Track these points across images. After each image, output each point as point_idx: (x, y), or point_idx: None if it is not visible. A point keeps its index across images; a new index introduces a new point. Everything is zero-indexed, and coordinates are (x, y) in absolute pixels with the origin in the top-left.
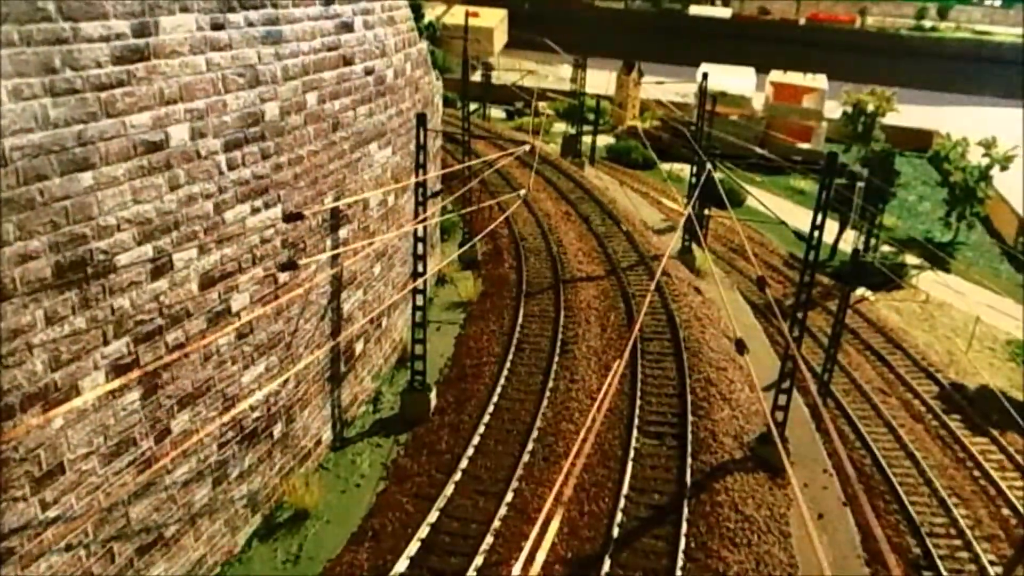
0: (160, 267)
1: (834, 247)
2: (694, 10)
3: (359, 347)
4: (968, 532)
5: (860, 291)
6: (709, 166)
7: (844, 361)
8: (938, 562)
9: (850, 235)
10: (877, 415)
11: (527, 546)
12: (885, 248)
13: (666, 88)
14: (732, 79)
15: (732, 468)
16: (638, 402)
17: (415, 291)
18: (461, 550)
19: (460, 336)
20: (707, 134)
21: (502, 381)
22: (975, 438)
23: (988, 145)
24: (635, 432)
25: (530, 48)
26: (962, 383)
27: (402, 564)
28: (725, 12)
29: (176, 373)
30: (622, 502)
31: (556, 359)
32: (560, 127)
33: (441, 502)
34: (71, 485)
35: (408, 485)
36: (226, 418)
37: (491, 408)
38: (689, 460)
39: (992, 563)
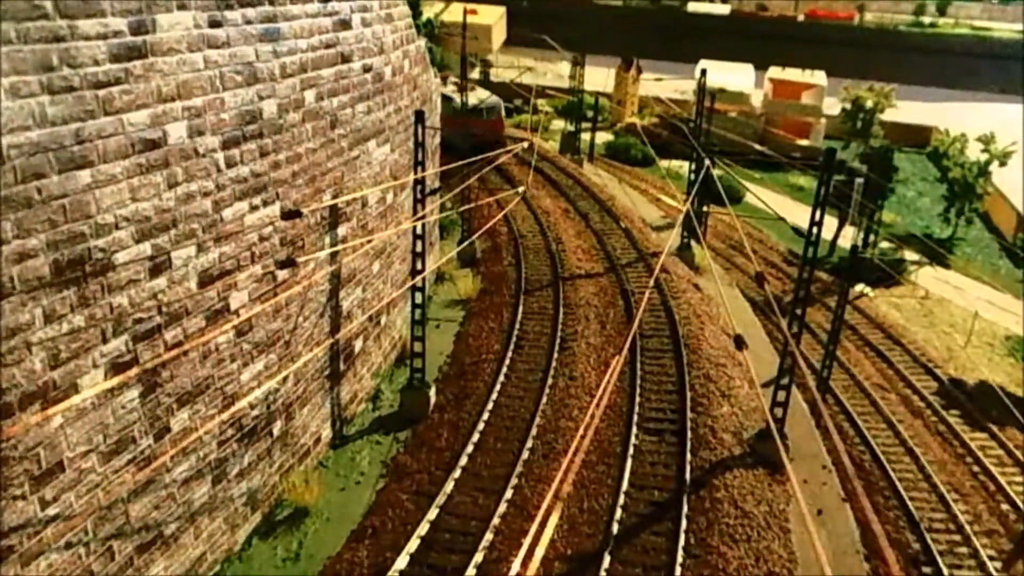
0: (158, 265)
1: (833, 243)
2: (692, 7)
3: (358, 345)
4: (967, 527)
5: (859, 287)
6: (708, 163)
7: (843, 357)
8: (937, 558)
9: (849, 231)
10: (876, 411)
11: (526, 542)
12: (884, 244)
13: (665, 85)
14: (731, 76)
15: (731, 464)
16: (637, 399)
17: (414, 288)
18: (461, 547)
19: (459, 333)
20: (706, 131)
21: (501, 378)
22: (974, 434)
23: (987, 141)
24: (634, 429)
25: (529, 45)
26: (961, 379)
27: (402, 561)
28: (723, 9)
29: (175, 371)
30: (622, 498)
31: (555, 356)
32: (559, 124)
33: (441, 499)
34: (70, 483)
35: (408, 482)
36: (225, 416)
37: (491, 405)
38: (688, 456)
39: (991, 558)
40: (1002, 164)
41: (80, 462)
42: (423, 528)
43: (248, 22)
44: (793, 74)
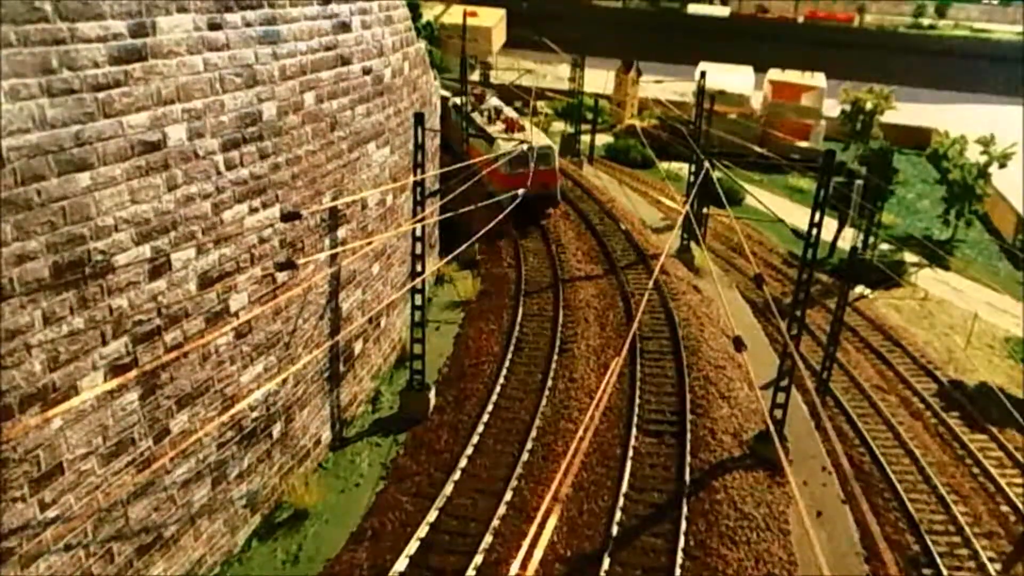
0: (158, 267)
1: (833, 245)
2: (692, 9)
3: (358, 347)
4: (967, 529)
5: (859, 289)
6: (707, 165)
7: (843, 359)
8: (937, 559)
9: (849, 233)
10: (876, 413)
11: (525, 543)
12: (884, 246)
13: (664, 87)
14: (730, 77)
15: (731, 466)
16: (637, 401)
17: (414, 290)
18: (461, 549)
19: (459, 335)
20: (705, 133)
21: (501, 380)
22: (974, 435)
23: (986, 142)
24: (634, 431)
25: (529, 47)
26: (961, 380)
27: (402, 563)
28: (723, 11)
29: (175, 373)
30: (621, 500)
31: (555, 358)
32: (559, 126)
33: (440, 501)
34: (70, 485)
35: (407, 484)
36: (225, 418)
37: (490, 407)
38: (688, 458)
39: (991, 560)
40: (1001, 166)
41: (80, 464)
42: (423, 530)
43: (248, 24)
44: (793, 76)
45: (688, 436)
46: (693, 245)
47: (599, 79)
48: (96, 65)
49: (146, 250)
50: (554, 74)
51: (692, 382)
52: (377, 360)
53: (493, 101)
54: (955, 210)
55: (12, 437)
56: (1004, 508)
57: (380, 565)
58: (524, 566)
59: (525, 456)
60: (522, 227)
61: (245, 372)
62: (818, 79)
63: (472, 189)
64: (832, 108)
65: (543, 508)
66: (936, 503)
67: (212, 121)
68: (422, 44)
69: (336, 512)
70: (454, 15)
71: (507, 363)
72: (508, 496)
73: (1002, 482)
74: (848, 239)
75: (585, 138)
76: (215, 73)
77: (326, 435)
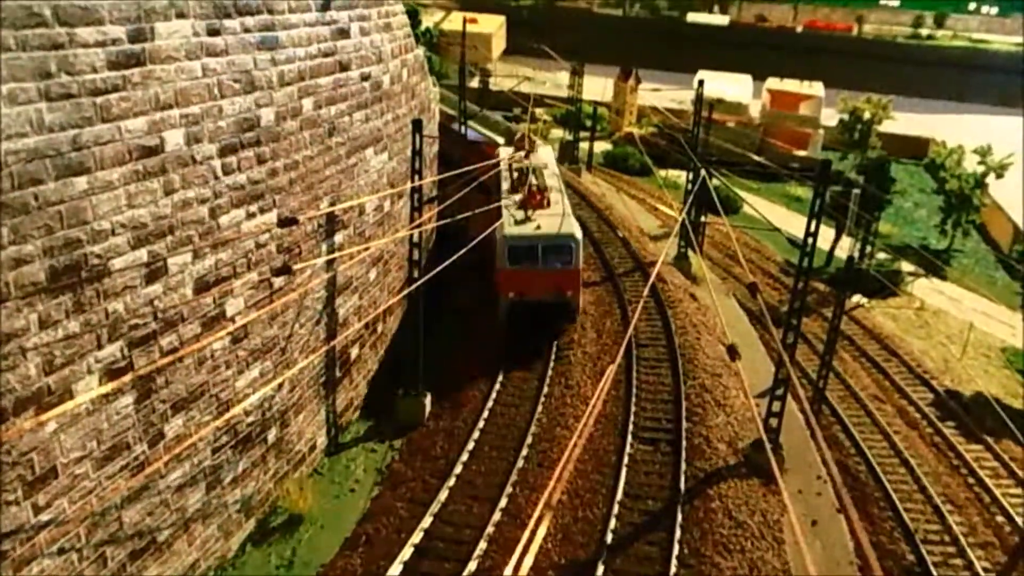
0: (155, 271)
1: (830, 254)
2: (692, 17)
3: (354, 352)
4: (962, 539)
5: (856, 298)
6: (704, 173)
7: (839, 368)
8: (932, 569)
9: (847, 242)
10: (872, 422)
11: (518, 549)
12: (881, 255)
13: (663, 95)
14: (729, 86)
15: (726, 474)
16: (633, 408)
17: (411, 296)
18: (455, 555)
19: (456, 341)
20: (704, 141)
21: (497, 386)
22: (970, 445)
23: (983, 153)
24: (629, 438)
25: (528, 55)
26: (957, 390)
27: (396, 569)
28: (723, 19)
29: (170, 377)
30: (616, 508)
31: (551, 365)
32: (557, 133)
33: (435, 507)
34: (64, 489)
35: (402, 490)
36: (220, 423)
37: (486, 413)
38: (683, 466)
39: (986, 570)
40: (998, 176)
41: (74, 468)
42: (417, 536)
43: (246, 30)
44: (791, 85)
45: (683, 444)
46: (690, 253)
47: (598, 86)
48: (94, 70)
49: (143, 254)
50: (553, 81)
51: (688, 390)
52: (373, 365)
53: (540, 155)
54: (952, 220)
55: (6, 440)
56: (999, 518)
57: (374, 571)
58: (516, 571)
59: (520, 463)
60: (518, 352)
61: (241, 377)
62: (816, 88)
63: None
64: (830, 117)
65: (536, 514)
66: (931, 513)
67: (210, 126)
68: (421, 51)
69: (331, 517)
70: (454, 22)
71: (503, 369)
72: (503, 503)
73: (997, 492)
74: (845, 248)
75: (584, 145)
76: (213, 79)
77: (321, 440)
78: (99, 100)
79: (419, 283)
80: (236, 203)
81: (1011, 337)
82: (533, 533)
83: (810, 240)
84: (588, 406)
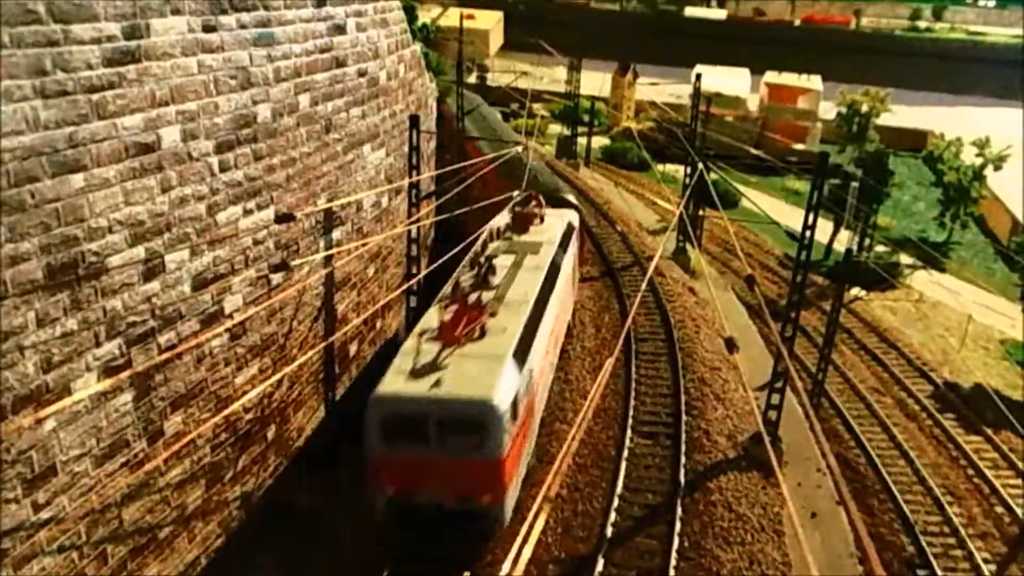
0: (152, 269)
1: (828, 247)
2: (689, 11)
3: (353, 348)
4: (962, 530)
5: (854, 291)
6: (702, 167)
7: (838, 360)
8: (932, 560)
9: (845, 235)
10: (872, 414)
11: (516, 542)
12: (879, 248)
13: (661, 89)
14: (727, 80)
15: (726, 467)
16: (632, 402)
17: (409, 292)
18: None
19: None
20: (702, 135)
21: None
22: (969, 437)
23: (982, 145)
24: (629, 432)
25: (526, 50)
26: (956, 382)
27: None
28: (720, 14)
29: (169, 375)
30: (616, 502)
31: None
32: (555, 128)
33: None
34: (64, 487)
35: None
36: (219, 419)
37: None
38: (683, 460)
39: (986, 561)
40: (996, 168)
41: (73, 465)
42: None
43: (242, 27)
44: (789, 78)
45: (683, 437)
46: (689, 247)
47: (596, 81)
48: (90, 67)
49: (140, 251)
50: (551, 76)
51: (687, 384)
52: (372, 362)
53: (546, 229)
54: (950, 212)
55: (5, 438)
56: (999, 509)
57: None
58: (515, 564)
59: None
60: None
61: (239, 374)
62: (814, 82)
63: None
64: (828, 111)
65: (535, 507)
66: (931, 504)
67: (206, 123)
68: (418, 46)
69: (331, 513)
70: (451, 17)
71: None
72: None
73: (997, 483)
74: (844, 241)
75: (582, 140)
76: (209, 75)
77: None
78: (95, 97)
79: (417, 278)
80: (233, 200)
81: (1010, 329)
82: (531, 526)
83: (808, 233)
84: (587, 400)
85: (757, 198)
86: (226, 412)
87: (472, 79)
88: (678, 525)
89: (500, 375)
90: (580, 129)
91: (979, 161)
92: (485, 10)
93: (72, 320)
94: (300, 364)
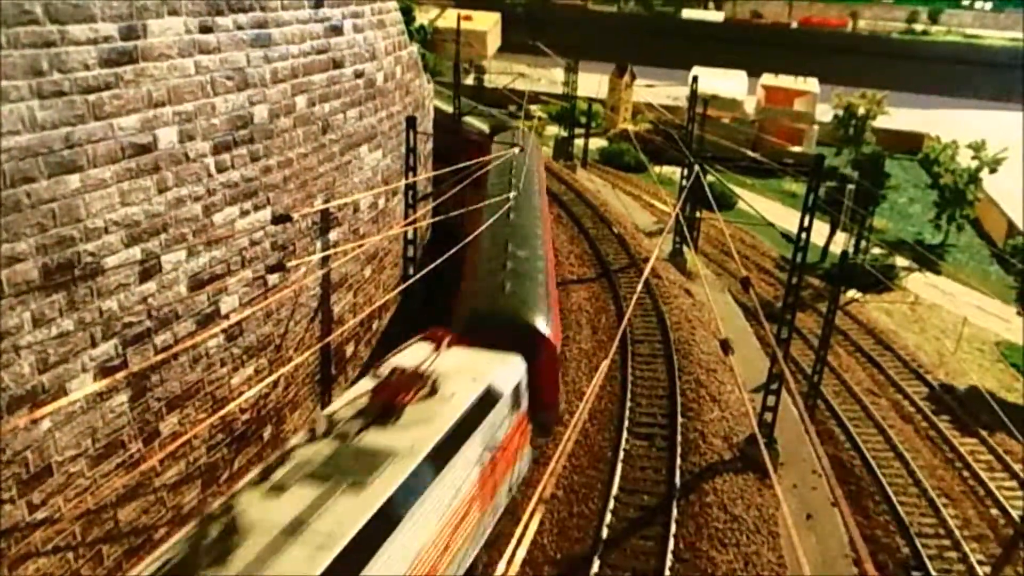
0: (148, 269)
1: (825, 249)
2: (686, 14)
3: (349, 349)
4: (957, 532)
5: (850, 293)
6: (698, 169)
7: (834, 362)
8: (927, 562)
9: (841, 237)
10: (867, 416)
11: (511, 543)
12: (875, 250)
13: (658, 91)
14: (724, 82)
15: (721, 469)
16: (628, 403)
17: (406, 293)
18: None
19: None
20: (699, 137)
21: None
22: (964, 439)
23: (977, 148)
24: (625, 434)
25: (523, 52)
26: (951, 384)
27: None
28: (717, 16)
29: (165, 375)
30: (612, 503)
31: None
32: (552, 130)
33: None
34: (59, 487)
35: None
36: (215, 420)
37: None
38: (678, 461)
39: (981, 563)
40: (992, 171)
41: (69, 466)
42: None
43: (239, 28)
44: (786, 81)
45: (678, 439)
46: (685, 249)
47: (593, 83)
48: (86, 67)
49: (136, 252)
50: (548, 78)
51: (683, 385)
52: (368, 363)
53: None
54: (946, 215)
55: (0, 439)
56: (994, 511)
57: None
58: (509, 565)
59: None
60: None
61: (236, 374)
62: (811, 84)
63: None
64: (825, 113)
65: (529, 508)
66: (926, 506)
67: (203, 124)
68: (415, 48)
69: None
70: (448, 19)
71: None
72: None
73: (992, 485)
74: (840, 243)
75: (579, 142)
76: (206, 76)
77: None
78: (91, 98)
79: (414, 279)
80: (230, 200)
81: (1005, 331)
82: (526, 527)
83: (804, 235)
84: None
85: (753, 200)
86: (222, 413)
87: (469, 81)
88: (673, 526)
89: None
90: (577, 131)
91: (975, 164)
92: (482, 11)
93: (68, 320)
94: (296, 365)
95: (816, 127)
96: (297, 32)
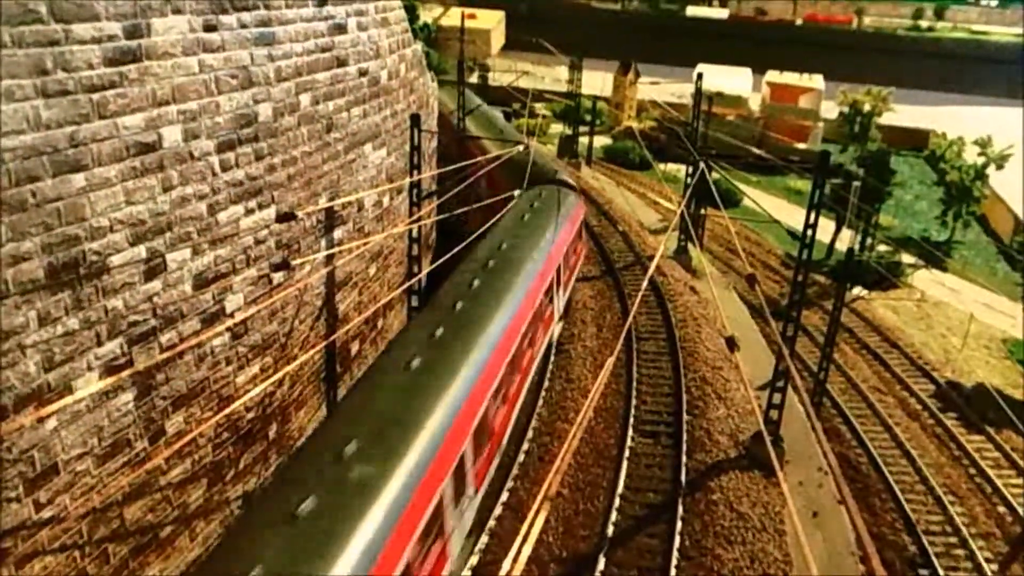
0: (153, 268)
1: (830, 246)
2: (691, 11)
3: (355, 347)
4: (964, 530)
5: (856, 290)
6: (703, 166)
7: (840, 360)
8: (934, 560)
9: (847, 234)
10: (874, 413)
11: (517, 541)
12: (881, 247)
13: (663, 88)
14: (729, 79)
15: (727, 467)
16: (633, 401)
17: (410, 291)
18: None
19: None
20: (703, 134)
21: None
22: (971, 436)
23: (984, 144)
24: (630, 431)
25: (527, 50)
26: (958, 381)
27: None
28: (722, 13)
29: (170, 374)
30: (617, 501)
31: (552, 359)
32: (557, 128)
33: None
34: (65, 486)
35: None
36: (220, 418)
37: None
38: (684, 459)
39: (988, 560)
40: (999, 167)
41: (75, 464)
42: None
43: (243, 26)
44: (791, 78)
45: (684, 437)
46: (690, 246)
47: (597, 81)
48: (91, 66)
49: (141, 251)
50: (552, 76)
51: (688, 383)
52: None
53: None
54: (953, 211)
55: (6, 437)
56: (1001, 509)
57: None
58: (515, 562)
59: (521, 457)
60: None
61: (241, 373)
62: (816, 81)
63: None
64: (830, 110)
65: (535, 505)
66: (933, 504)
67: (207, 122)
68: (419, 46)
69: None
70: (452, 17)
71: None
72: (504, 497)
73: (999, 483)
74: (846, 240)
75: (583, 140)
76: (210, 75)
77: None
78: (96, 97)
79: (418, 277)
80: (234, 199)
81: (1012, 328)
82: (532, 524)
83: (809, 232)
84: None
85: (759, 197)
86: (227, 411)
87: (474, 79)
88: (679, 524)
89: None
90: (582, 128)
91: (981, 160)
92: (487, 9)
93: (73, 319)
94: (301, 363)
95: (821, 124)
96: (301, 30)
